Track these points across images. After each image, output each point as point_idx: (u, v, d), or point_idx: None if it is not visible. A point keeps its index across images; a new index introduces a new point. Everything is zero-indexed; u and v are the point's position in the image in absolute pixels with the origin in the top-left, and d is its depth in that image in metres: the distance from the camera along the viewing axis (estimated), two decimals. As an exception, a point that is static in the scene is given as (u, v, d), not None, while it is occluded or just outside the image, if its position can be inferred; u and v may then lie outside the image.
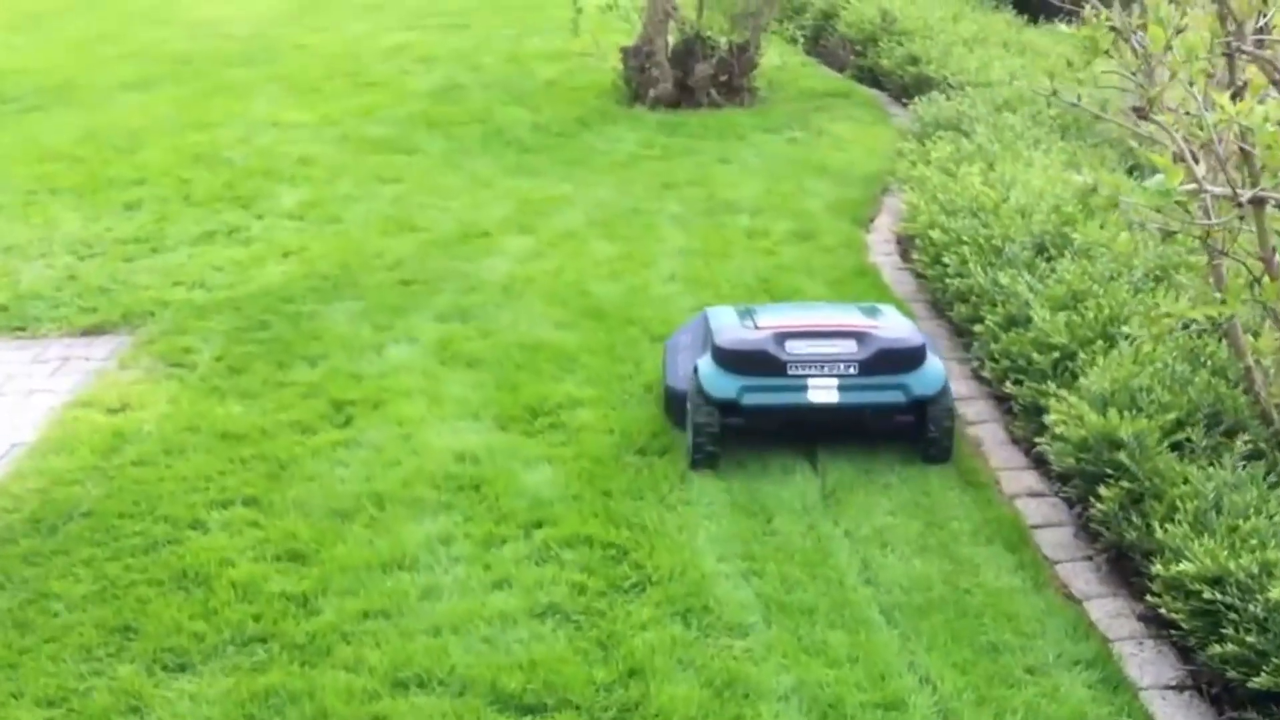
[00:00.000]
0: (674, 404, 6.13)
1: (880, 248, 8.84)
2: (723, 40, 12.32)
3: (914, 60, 12.53)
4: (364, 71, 14.16)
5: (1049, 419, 5.60)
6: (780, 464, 5.87)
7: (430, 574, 5.04)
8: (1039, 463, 5.91)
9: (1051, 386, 5.75)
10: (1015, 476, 5.87)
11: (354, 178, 10.32)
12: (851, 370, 5.79)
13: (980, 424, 6.38)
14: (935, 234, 7.43)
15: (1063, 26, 5.94)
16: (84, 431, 6.27)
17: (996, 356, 6.37)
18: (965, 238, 7.21)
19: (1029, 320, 6.32)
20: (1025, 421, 6.07)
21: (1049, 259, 6.84)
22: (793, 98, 12.63)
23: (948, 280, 7.13)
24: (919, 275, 7.94)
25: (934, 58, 12.34)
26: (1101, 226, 6.64)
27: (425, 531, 5.32)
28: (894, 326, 6.11)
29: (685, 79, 12.38)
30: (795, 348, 5.84)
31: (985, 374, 6.56)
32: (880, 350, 5.83)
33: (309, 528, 5.36)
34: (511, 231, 9.01)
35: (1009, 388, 6.17)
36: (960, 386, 6.73)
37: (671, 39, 12.51)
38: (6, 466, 6.02)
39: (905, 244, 8.67)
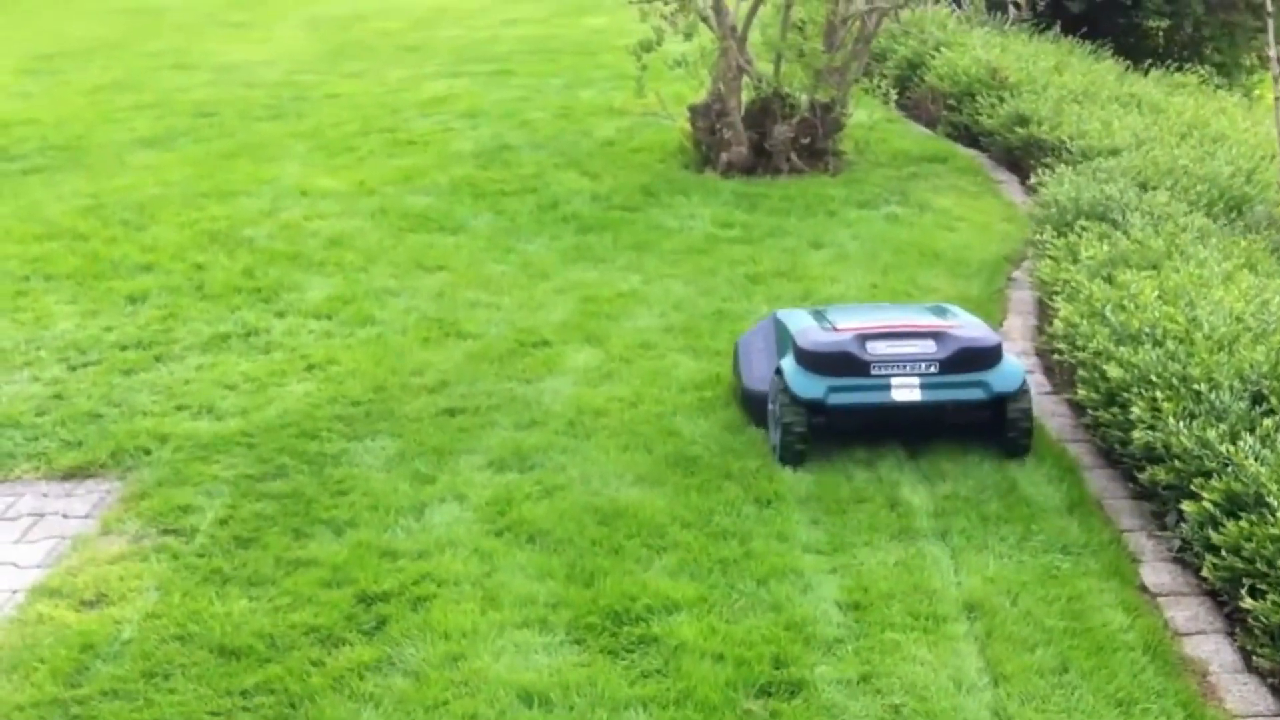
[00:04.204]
0: (752, 405, 6.38)
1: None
2: (804, 98, 10.88)
3: (1023, 120, 11.05)
4: (403, 127, 12.82)
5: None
6: (936, 683, 4.42)
7: None
8: (1292, 706, 4.46)
9: (1328, 621, 4.29)
10: (1268, 731, 4.40)
11: (391, 264, 8.95)
12: (932, 369, 5.97)
13: (1199, 636, 4.91)
14: (1112, 369, 5.95)
15: None
16: (47, 640, 4.90)
17: (1222, 551, 4.89)
18: (1154, 377, 5.74)
19: (1261, 503, 4.86)
20: (1272, 650, 4.60)
21: (1269, 413, 5.37)
22: (884, 163, 11.17)
23: (1134, 433, 5.66)
24: (1079, 407, 6.48)
25: (1045, 117, 10.88)
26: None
27: (486, 834, 3.89)
28: (969, 325, 6.28)
29: (762, 141, 10.95)
30: (877, 348, 6.00)
31: (1201, 568, 5.08)
32: (960, 349, 6.03)
33: (327, 822, 3.95)
34: (575, 340, 7.60)
35: (1247, 602, 4.69)
36: (1160, 576, 5.29)
37: (746, 96, 11.08)
38: (-58, 695, 4.66)
39: (1048, 359, 7.22)
